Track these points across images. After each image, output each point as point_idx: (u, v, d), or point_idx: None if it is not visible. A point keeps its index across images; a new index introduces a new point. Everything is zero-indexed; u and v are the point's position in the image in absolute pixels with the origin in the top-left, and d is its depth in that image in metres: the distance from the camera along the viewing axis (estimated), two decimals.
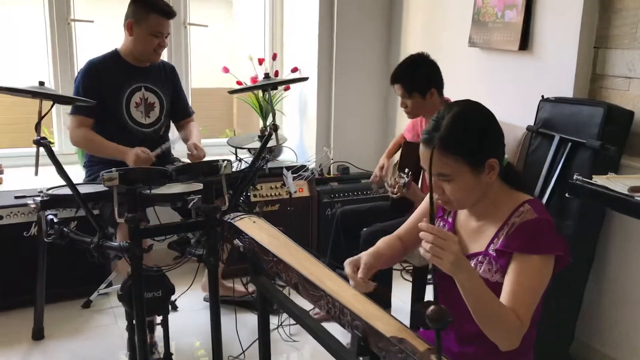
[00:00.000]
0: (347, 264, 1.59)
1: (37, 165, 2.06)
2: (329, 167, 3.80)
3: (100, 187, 2.45)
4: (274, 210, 3.42)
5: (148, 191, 2.19)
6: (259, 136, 2.79)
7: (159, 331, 2.33)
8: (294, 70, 3.93)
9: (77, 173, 3.47)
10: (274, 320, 2.89)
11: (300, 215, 3.50)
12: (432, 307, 1.17)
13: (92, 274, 3.07)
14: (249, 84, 3.90)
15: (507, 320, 1.31)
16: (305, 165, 3.53)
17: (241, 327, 2.74)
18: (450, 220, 1.60)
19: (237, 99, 7.54)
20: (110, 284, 3.09)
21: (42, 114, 2.03)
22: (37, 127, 2.02)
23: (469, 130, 1.41)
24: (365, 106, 3.92)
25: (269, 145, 2.64)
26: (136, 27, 2.77)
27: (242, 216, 1.95)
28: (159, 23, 2.76)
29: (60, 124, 3.65)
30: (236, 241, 1.91)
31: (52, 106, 2.10)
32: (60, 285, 2.96)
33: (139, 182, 2.07)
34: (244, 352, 2.58)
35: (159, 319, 2.36)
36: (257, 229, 1.85)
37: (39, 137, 2.01)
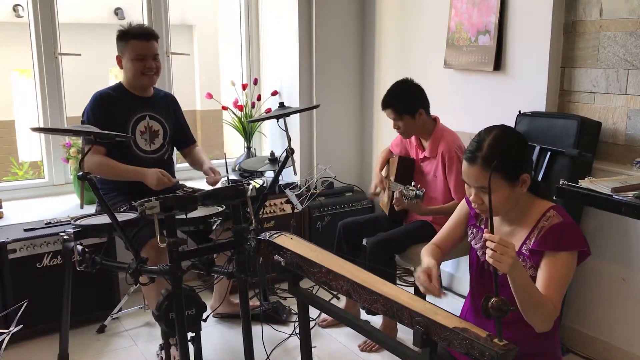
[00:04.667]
0: (422, 273, 1.78)
1: (82, 198, 2.18)
2: (315, 183, 4.02)
3: (121, 216, 2.60)
4: (270, 226, 3.61)
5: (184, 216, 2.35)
6: (269, 159, 2.99)
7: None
8: (274, 93, 4.14)
9: (70, 203, 3.57)
10: (287, 330, 3.08)
11: (294, 229, 3.70)
12: (494, 299, 1.42)
13: (100, 300, 3.17)
14: (232, 108, 4.11)
15: (546, 307, 1.59)
16: (294, 183, 3.74)
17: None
18: (482, 226, 1.87)
19: (200, 120, 7.69)
20: (120, 309, 3.20)
21: (84, 151, 2.16)
22: (81, 163, 2.15)
23: (506, 151, 1.68)
24: (344, 125, 4.17)
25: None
26: (123, 59, 2.96)
27: (278, 234, 2.16)
28: (138, 46, 2.92)
29: (50, 157, 3.72)
30: (276, 256, 2.11)
31: (93, 143, 2.23)
32: (72, 312, 3.04)
33: (176, 208, 2.23)
34: (268, 356, 2.74)
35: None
36: (297, 244, 2.05)
37: (83, 173, 2.14)
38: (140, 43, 2.93)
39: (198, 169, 3.16)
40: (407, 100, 2.94)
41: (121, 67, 2.99)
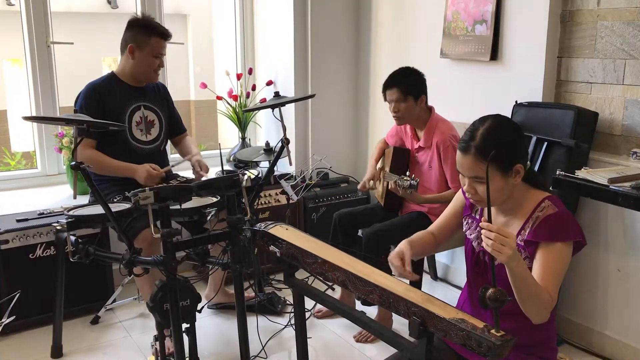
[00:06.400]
0: (395, 257, 1.78)
1: (75, 188, 2.15)
2: (310, 174, 4.00)
3: (114, 207, 2.57)
4: (265, 217, 3.60)
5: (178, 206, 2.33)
6: (264, 149, 2.96)
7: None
8: (269, 83, 4.11)
9: (63, 193, 3.54)
10: (282, 321, 3.07)
11: (289, 220, 3.68)
12: (491, 289, 1.40)
13: (94, 291, 3.16)
14: (227, 98, 4.08)
15: (543, 298, 1.57)
16: (289, 173, 3.72)
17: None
18: (477, 217, 1.86)
19: (194, 110, 7.65)
20: (114, 300, 3.18)
21: (77, 140, 2.14)
22: (74, 153, 2.12)
23: (500, 141, 1.66)
24: (339, 115, 4.15)
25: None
26: (138, 51, 2.90)
27: (273, 224, 2.14)
28: (160, 45, 2.92)
29: (43, 147, 3.68)
30: (272, 247, 2.09)
31: (86, 132, 2.19)
32: (66, 303, 3.02)
33: (170, 198, 2.21)
34: (263, 347, 2.74)
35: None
36: (292, 235, 2.03)
37: (76, 162, 2.11)
38: (162, 42, 2.95)
39: (186, 158, 3.13)
40: (414, 82, 2.93)
41: (132, 58, 2.93)
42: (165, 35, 2.92)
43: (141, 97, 3.00)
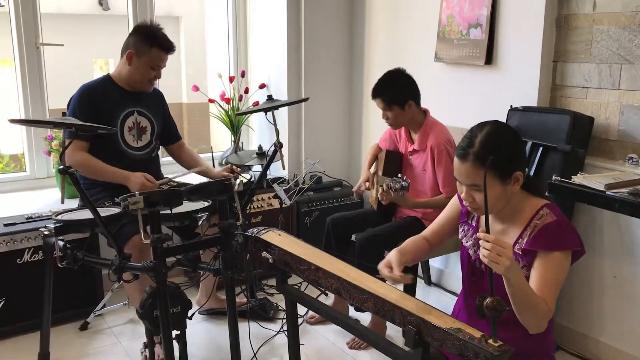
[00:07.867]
0: (383, 267, 1.76)
1: (62, 192, 2.11)
2: (303, 178, 3.97)
3: (104, 211, 2.53)
4: (257, 221, 3.56)
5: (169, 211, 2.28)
6: (257, 153, 2.92)
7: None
8: (262, 86, 4.07)
9: (52, 197, 3.48)
10: (274, 327, 3.03)
11: (282, 224, 3.64)
12: (489, 298, 1.37)
13: (83, 297, 3.10)
14: (219, 101, 4.04)
15: (541, 308, 1.54)
16: (282, 177, 3.68)
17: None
18: (474, 224, 1.82)
19: (186, 113, 7.60)
20: (104, 306, 3.13)
21: (65, 144, 2.09)
22: (62, 157, 2.07)
23: (499, 148, 1.63)
24: (333, 119, 4.11)
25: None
26: (136, 58, 2.85)
27: (266, 230, 2.10)
28: (160, 57, 2.86)
29: (32, 150, 3.63)
30: (264, 253, 2.05)
31: (75, 136, 2.15)
32: (54, 309, 2.96)
33: (161, 203, 2.17)
34: (255, 354, 2.70)
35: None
36: (285, 241, 2.00)
37: (63, 167, 2.07)
38: (164, 55, 2.90)
39: (201, 173, 3.09)
40: (397, 91, 2.89)
41: (129, 64, 2.88)
42: (167, 48, 2.87)
43: (136, 102, 2.95)
